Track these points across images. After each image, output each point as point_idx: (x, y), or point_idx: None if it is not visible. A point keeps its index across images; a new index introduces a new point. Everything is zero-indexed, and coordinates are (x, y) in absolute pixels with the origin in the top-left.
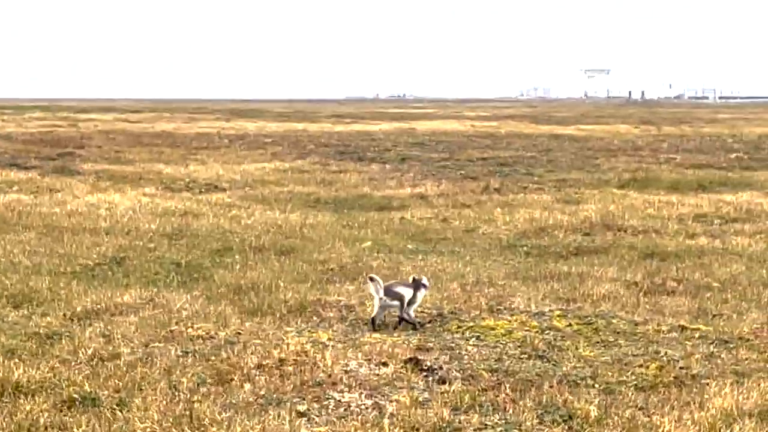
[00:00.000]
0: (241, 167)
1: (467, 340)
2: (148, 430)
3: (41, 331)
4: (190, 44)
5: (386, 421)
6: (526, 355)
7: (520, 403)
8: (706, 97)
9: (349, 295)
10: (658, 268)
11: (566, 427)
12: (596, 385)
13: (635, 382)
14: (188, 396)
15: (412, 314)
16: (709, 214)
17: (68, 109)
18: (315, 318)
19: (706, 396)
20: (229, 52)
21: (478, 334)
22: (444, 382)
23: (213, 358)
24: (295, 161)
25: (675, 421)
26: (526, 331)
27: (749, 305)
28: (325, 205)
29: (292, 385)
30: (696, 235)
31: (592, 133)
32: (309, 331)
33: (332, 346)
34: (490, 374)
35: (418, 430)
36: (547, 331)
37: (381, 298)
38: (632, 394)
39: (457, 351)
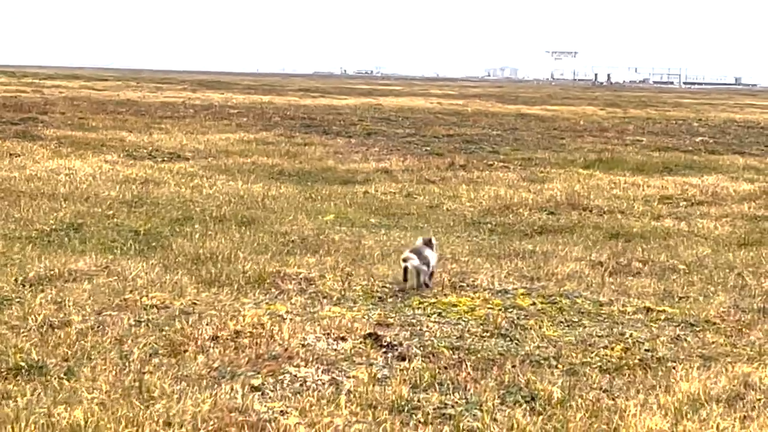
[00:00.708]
0: (205, 137)
1: (429, 316)
2: (95, 401)
3: None
4: (162, 15)
5: (343, 397)
6: (488, 334)
7: (482, 382)
8: (671, 83)
9: (309, 267)
10: (624, 248)
11: (528, 408)
12: (560, 366)
13: (600, 364)
14: (139, 367)
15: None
16: (674, 197)
17: (34, 75)
18: (273, 290)
19: (672, 380)
20: (199, 25)
21: (440, 310)
22: (404, 359)
23: (167, 328)
24: (260, 133)
25: (640, 405)
26: (488, 308)
27: (715, 288)
28: (288, 177)
29: (246, 358)
30: (662, 216)
31: (558, 114)
32: (267, 303)
33: (290, 319)
34: (451, 352)
35: (375, 407)
36: (510, 310)
37: (416, 266)
38: (596, 376)
39: (418, 327)
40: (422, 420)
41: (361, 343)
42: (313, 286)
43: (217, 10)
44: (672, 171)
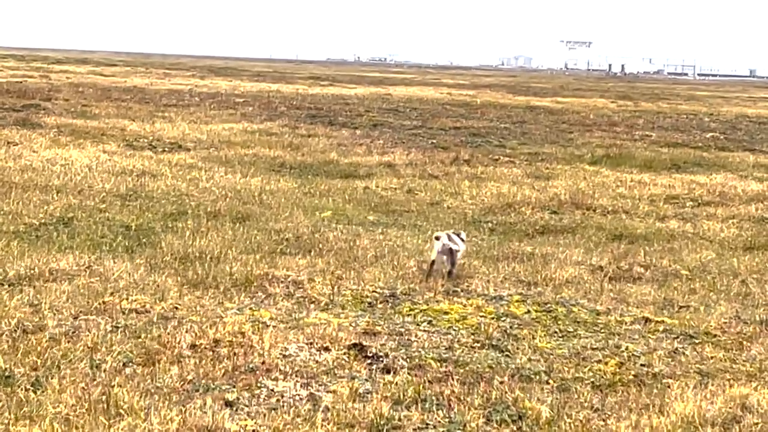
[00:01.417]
0: (208, 127)
1: (418, 324)
2: (60, 416)
3: None
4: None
5: (320, 415)
6: (478, 344)
7: (467, 399)
8: (686, 74)
9: (299, 269)
10: (626, 251)
11: (515, 429)
12: (550, 382)
13: (592, 380)
14: (109, 378)
15: None
16: (681, 196)
17: (43, 59)
18: (260, 293)
19: (666, 399)
20: (215, 9)
21: (430, 318)
22: (389, 372)
23: (143, 335)
24: (264, 123)
25: (632, 427)
26: (481, 317)
27: (718, 297)
28: (289, 170)
29: (223, 370)
30: (667, 217)
31: (568, 107)
32: (251, 308)
33: (273, 326)
34: (438, 364)
35: (353, 426)
36: (503, 318)
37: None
38: (588, 393)
39: (407, 337)
40: None
41: (345, 353)
42: (301, 289)
43: None
44: (680, 168)
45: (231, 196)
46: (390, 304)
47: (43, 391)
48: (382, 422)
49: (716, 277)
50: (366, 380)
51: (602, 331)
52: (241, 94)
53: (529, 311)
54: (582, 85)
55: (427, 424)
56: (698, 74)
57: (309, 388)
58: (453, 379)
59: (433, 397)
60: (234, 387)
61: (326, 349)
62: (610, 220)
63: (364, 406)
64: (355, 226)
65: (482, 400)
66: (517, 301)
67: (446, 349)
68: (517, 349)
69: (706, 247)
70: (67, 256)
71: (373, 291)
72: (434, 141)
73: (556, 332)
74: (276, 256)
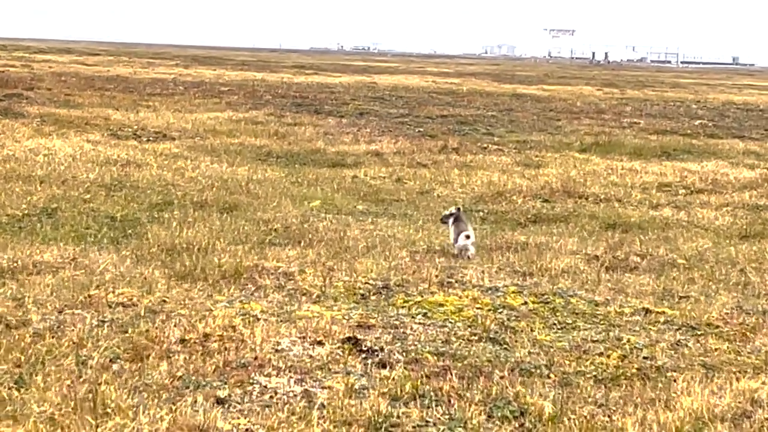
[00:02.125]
0: (193, 116)
1: (413, 317)
2: (45, 416)
3: None
4: None
5: (315, 412)
6: (476, 337)
7: (467, 394)
8: (669, 61)
9: (289, 261)
10: (621, 240)
11: (517, 425)
12: (552, 376)
13: (595, 374)
14: (96, 375)
15: None
16: (673, 184)
17: (26, 49)
18: (250, 286)
19: (672, 393)
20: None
21: (425, 310)
22: (384, 366)
23: (131, 329)
24: (250, 112)
25: (638, 423)
26: (477, 309)
27: (717, 287)
28: (276, 159)
29: (214, 366)
30: (660, 205)
31: (554, 94)
32: (241, 301)
33: (264, 320)
34: (435, 358)
35: (350, 424)
36: (500, 310)
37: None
38: (591, 387)
39: (402, 330)
40: None
41: (339, 348)
42: (292, 281)
43: None
44: (670, 156)
45: (218, 185)
46: (383, 296)
47: (26, 390)
48: (380, 420)
49: (714, 267)
50: (361, 375)
51: (602, 322)
52: (225, 83)
53: (526, 303)
54: (566, 73)
55: (427, 421)
56: (681, 62)
57: (303, 384)
58: (451, 373)
59: (432, 393)
60: (225, 384)
61: (320, 343)
62: (603, 208)
63: (360, 403)
64: (344, 215)
65: (482, 395)
66: (513, 292)
67: (443, 342)
68: (516, 342)
69: (702, 235)
70: (51, 248)
71: (366, 282)
72: (421, 129)
73: (554, 324)
74: (265, 246)
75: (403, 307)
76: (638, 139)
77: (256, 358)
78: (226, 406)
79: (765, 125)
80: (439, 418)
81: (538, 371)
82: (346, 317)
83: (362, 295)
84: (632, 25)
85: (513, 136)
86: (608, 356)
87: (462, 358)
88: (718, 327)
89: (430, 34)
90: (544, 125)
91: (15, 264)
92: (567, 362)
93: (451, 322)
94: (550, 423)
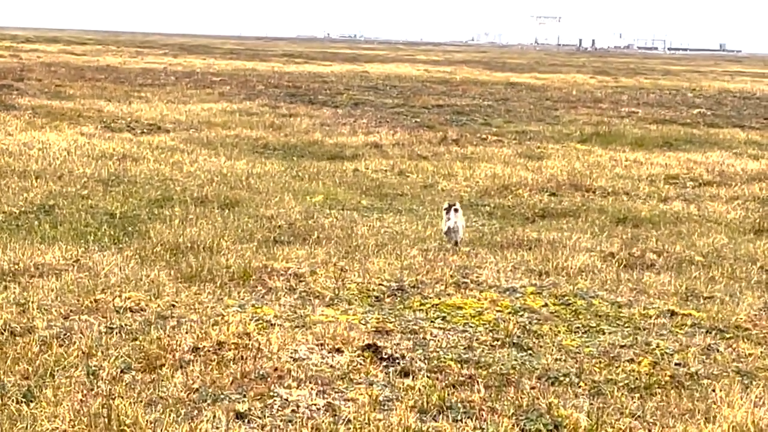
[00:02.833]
0: (186, 107)
1: (432, 321)
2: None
3: None
4: None
5: (342, 428)
6: (499, 342)
7: (496, 406)
8: (656, 48)
9: (299, 261)
10: (634, 236)
11: None
12: (582, 384)
13: (627, 382)
14: (108, 388)
15: None
16: (680, 176)
17: (12, 38)
18: (260, 288)
19: (711, 404)
20: None
21: (444, 314)
22: (407, 375)
23: (141, 337)
24: (243, 102)
25: None
26: (497, 311)
27: (740, 285)
28: (273, 151)
29: (231, 377)
30: (669, 198)
31: (549, 83)
32: (253, 305)
33: (279, 325)
34: (459, 366)
35: None
36: (521, 312)
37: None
38: (624, 397)
39: (421, 335)
40: None
41: (358, 355)
42: (303, 283)
43: None
44: (672, 146)
45: (217, 180)
46: (398, 298)
47: (36, 404)
48: None
49: (733, 264)
50: (384, 386)
51: (627, 325)
52: (216, 73)
53: (546, 304)
54: (556, 60)
55: None
56: (668, 48)
57: (325, 396)
58: (477, 382)
59: (459, 405)
60: (244, 396)
61: (338, 350)
62: (611, 202)
63: (387, 416)
64: (348, 211)
65: (513, 407)
66: (532, 293)
67: (465, 348)
68: (540, 347)
69: (716, 230)
70: (53, 249)
71: (380, 284)
72: (418, 120)
73: (578, 328)
74: (271, 245)
75: (420, 310)
76: (638, 129)
77: (275, 369)
78: (247, 421)
79: (764, 114)
80: None
81: (568, 379)
82: (363, 322)
83: (377, 297)
84: (618, 12)
85: (511, 127)
86: (639, 363)
87: (487, 366)
88: (747, 330)
89: (416, 21)
90: (542, 115)
91: (16, 266)
92: (596, 369)
93: (471, 326)
94: None
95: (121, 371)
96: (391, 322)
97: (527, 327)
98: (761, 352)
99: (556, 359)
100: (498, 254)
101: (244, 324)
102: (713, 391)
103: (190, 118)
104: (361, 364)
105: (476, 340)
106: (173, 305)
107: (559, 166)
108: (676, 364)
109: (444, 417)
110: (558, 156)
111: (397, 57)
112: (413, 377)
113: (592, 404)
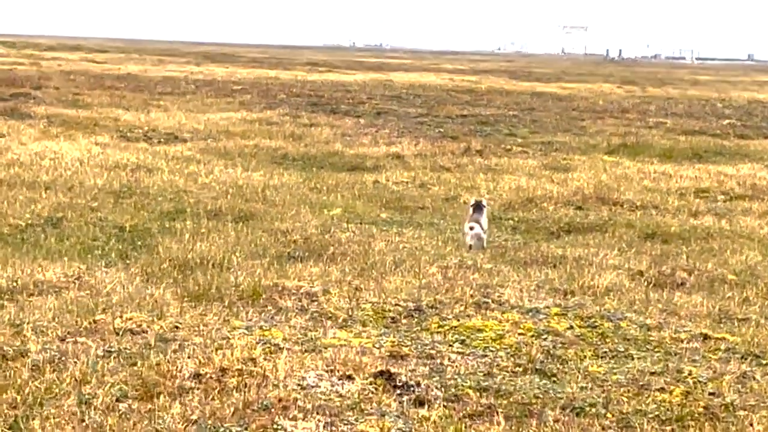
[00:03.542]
0: (205, 116)
1: (450, 345)
2: None
3: None
4: None
5: None
6: (521, 368)
7: None
8: (683, 58)
9: (312, 279)
10: (664, 253)
11: None
12: (609, 416)
13: (657, 413)
14: (101, 419)
15: None
16: (711, 189)
17: (35, 46)
18: (270, 308)
19: None
20: None
21: (463, 337)
22: (422, 404)
23: (140, 362)
24: (264, 112)
25: None
26: (520, 334)
27: None
28: (292, 162)
29: (233, 408)
30: (699, 213)
31: (575, 92)
32: (261, 327)
33: (287, 349)
34: (478, 394)
35: None
36: (544, 336)
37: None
38: (655, 430)
39: (438, 360)
40: None
41: (371, 383)
42: (316, 303)
43: None
44: (702, 158)
45: (232, 192)
46: (415, 320)
47: None
48: None
49: None
50: (397, 416)
51: (657, 350)
52: (238, 81)
53: (572, 327)
54: (582, 70)
55: None
56: (696, 58)
57: (332, 428)
58: (497, 413)
59: None
60: (246, 429)
61: (349, 377)
62: (639, 216)
63: None
64: (367, 225)
65: None
66: (556, 314)
67: (485, 375)
68: (565, 373)
69: (749, 246)
70: (55, 265)
71: (396, 304)
72: (441, 130)
73: (605, 352)
74: (284, 262)
75: (437, 332)
76: (666, 140)
77: (279, 400)
78: None
79: None
80: None
81: (594, 409)
82: (377, 345)
83: (392, 318)
84: (646, 22)
85: (537, 137)
86: (670, 392)
87: (507, 394)
88: None
89: (442, 31)
90: (568, 125)
91: (14, 283)
92: (625, 399)
93: (492, 351)
94: None
95: (116, 400)
96: (406, 346)
97: (551, 351)
98: None
99: (582, 387)
100: (521, 272)
101: (249, 348)
102: (750, 424)
103: (209, 127)
104: (372, 392)
105: (497, 365)
106: (176, 326)
107: (586, 179)
108: (710, 394)
109: None
110: (584, 168)
111: (422, 66)
112: (428, 407)
113: None
